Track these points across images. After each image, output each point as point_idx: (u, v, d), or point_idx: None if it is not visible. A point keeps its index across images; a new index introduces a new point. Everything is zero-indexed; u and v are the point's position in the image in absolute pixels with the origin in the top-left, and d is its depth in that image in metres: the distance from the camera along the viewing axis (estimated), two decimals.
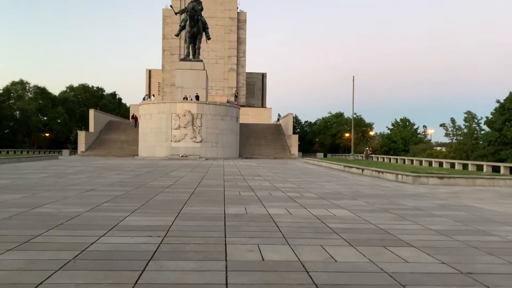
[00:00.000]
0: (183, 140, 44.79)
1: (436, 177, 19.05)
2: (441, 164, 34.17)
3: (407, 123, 66.83)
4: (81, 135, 53.45)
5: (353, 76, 40.63)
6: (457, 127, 47.71)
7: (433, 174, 19.48)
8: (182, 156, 43.19)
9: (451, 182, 18.90)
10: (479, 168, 30.71)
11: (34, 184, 14.36)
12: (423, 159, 37.67)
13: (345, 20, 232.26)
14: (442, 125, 49.21)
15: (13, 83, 72.32)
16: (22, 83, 72.98)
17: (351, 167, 27.85)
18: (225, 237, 6.50)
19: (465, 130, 45.33)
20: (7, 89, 68.94)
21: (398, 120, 67.75)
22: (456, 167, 31.25)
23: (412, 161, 38.97)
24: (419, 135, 64.86)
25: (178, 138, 44.75)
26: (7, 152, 49.91)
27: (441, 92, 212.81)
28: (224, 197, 11.58)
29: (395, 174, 20.86)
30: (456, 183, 18.83)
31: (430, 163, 35.39)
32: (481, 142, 43.17)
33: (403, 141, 60.96)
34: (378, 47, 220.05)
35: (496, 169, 30.50)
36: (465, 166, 32.13)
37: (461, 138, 46.39)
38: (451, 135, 48.55)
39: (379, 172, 22.88)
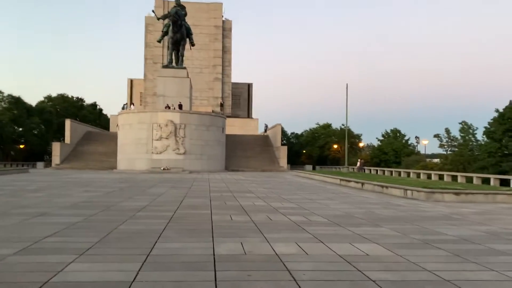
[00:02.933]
0: (165, 152, 41.93)
1: (452, 193, 16.78)
2: (441, 176, 32.12)
3: (398, 134, 65.13)
4: (56, 146, 50.09)
5: (347, 84, 38.64)
6: (452, 137, 45.99)
7: (448, 189, 17.22)
8: (164, 169, 40.32)
9: (468, 199, 16.63)
10: (485, 181, 28.74)
11: None
12: (421, 171, 35.63)
13: (331, 30, 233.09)
14: (437, 135, 47.45)
15: None
16: None
17: (348, 180, 25.49)
18: None
19: (461, 141, 43.60)
20: None
21: (389, 131, 66.23)
22: (459, 180, 29.20)
23: (408, 173, 36.89)
24: (410, 147, 63.25)
25: (159, 149, 41.89)
26: None
27: (433, 102, 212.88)
28: (212, 224, 9.00)
29: (403, 189, 18.53)
30: (474, 200, 16.58)
31: (429, 176, 33.32)
32: (477, 153, 41.47)
33: (394, 152, 59.05)
34: (366, 55, 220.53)
35: (505, 183, 28.43)
36: (468, 179, 30.10)
37: (456, 149, 44.67)
38: (445, 146, 46.76)
39: (382, 187, 20.55)
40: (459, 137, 45.04)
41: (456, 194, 16.78)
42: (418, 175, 35.27)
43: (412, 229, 9.13)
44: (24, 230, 7.98)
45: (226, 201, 14.43)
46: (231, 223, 9.39)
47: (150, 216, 10.16)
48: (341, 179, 27.09)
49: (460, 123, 44.41)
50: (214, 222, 9.32)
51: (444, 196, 16.71)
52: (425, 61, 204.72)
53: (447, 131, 46.62)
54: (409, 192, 18.04)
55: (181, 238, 7.43)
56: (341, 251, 6.61)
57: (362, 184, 23.11)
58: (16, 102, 71.12)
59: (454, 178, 30.75)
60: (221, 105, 73.12)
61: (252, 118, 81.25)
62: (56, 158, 49.58)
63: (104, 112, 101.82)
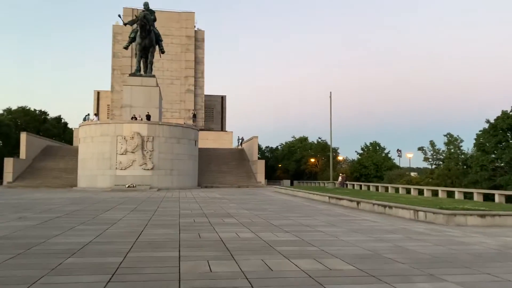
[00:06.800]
0: (130, 168, 37.79)
1: (477, 215, 13.84)
2: (434, 192, 29.50)
3: (377, 148, 62.94)
4: (8, 162, 44.88)
5: (330, 92, 35.78)
6: (437, 150, 43.95)
7: (471, 211, 14.25)
8: (129, 186, 36.19)
9: (496, 222, 13.80)
10: (467, 196, 26.36)
11: None
12: (411, 186, 32.96)
13: (307, 41, 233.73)
14: (420, 148, 45.24)
15: None
16: None
17: (340, 198, 22.34)
18: None
19: (447, 154, 41.55)
20: None
21: (368, 144, 63.95)
22: (456, 196, 26.58)
23: (396, 189, 34.19)
24: (390, 160, 61.08)
25: (124, 165, 37.72)
26: None
27: (416, 115, 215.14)
28: (179, 287, 5.50)
29: (413, 210, 15.49)
30: (503, 223, 13.77)
31: (421, 191, 30.67)
32: (465, 167, 39.35)
33: (375, 166, 56.75)
34: (343, 69, 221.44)
35: (489, 197, 26.28)
36: (449, 194, 27.70)
37: (442, 163, 42.53)
38: (430, 160, 44.68)
39: (385, 206, 17.46)
40: (444, 150, 43.00)
41: (481, 216, 13.85)
42: (408, 190, 32.62)
43: (491, 283, 5.92)
44: None
45: (201, 231, 10.93)
46: (210, 281, 5.91)
47: (83, 268, 6.55)
48: (330, 197, 23.93)
49: (445, 135, 42.47)
50: (183, 281, 5.82)
51: (467, 219, 13.76)
52: (409, 73, 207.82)
53: (432, 143, 44.49)
54: (421, 213, 15.02)
55: None
56: None
57: (358, 203, 20.00)
58: None
59: (450, 194, 28.17)
60: (194, 116, 69.22)
61: (226, 131, 77.81)
62: (8, 175, 44.46)
63: (70, 126, 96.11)
